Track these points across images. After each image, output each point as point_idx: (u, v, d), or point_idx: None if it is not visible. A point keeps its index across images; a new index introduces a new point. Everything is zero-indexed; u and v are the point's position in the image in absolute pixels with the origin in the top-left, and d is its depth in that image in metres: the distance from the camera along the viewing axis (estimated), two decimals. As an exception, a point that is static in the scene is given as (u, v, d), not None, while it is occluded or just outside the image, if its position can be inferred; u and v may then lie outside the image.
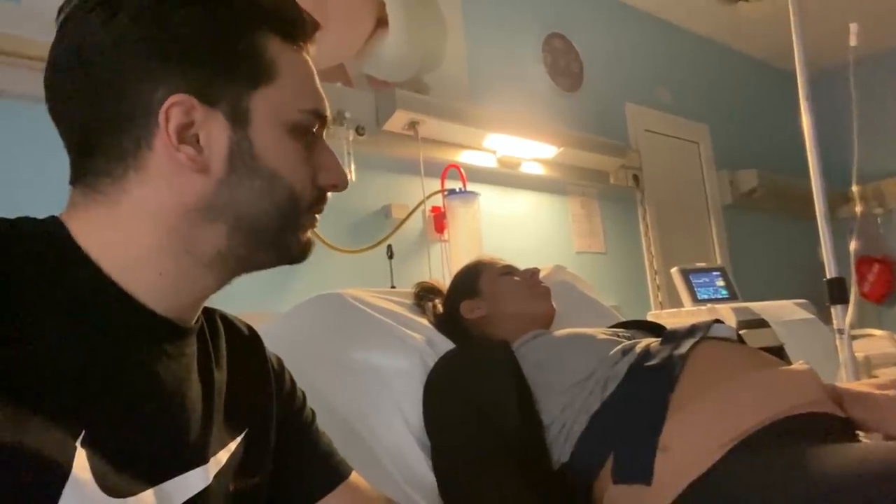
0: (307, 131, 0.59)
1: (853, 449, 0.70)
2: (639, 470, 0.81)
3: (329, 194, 0.62)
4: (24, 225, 0.54)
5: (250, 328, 0.74)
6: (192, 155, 0.54)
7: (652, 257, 2.73)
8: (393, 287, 1.82)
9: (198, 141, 0.54)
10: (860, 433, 0.85)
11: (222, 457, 0.60)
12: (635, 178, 2.74)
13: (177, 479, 0.53)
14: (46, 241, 0.53)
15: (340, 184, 0.62)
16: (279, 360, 0.77)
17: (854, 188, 1.48)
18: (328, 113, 0.61)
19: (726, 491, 0.74)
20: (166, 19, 0.53)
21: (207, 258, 0.57)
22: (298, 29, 0.60)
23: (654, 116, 2.96)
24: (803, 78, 1.56)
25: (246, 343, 0.72)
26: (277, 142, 0.57)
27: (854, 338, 2.72)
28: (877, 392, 0.82)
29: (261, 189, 0.56)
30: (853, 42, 1.39)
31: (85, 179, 0.55)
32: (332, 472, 0.75)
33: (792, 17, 1.64)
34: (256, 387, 0.70)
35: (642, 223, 2.77)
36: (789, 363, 0.93)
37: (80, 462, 0.47)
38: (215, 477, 0.57)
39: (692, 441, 0.80)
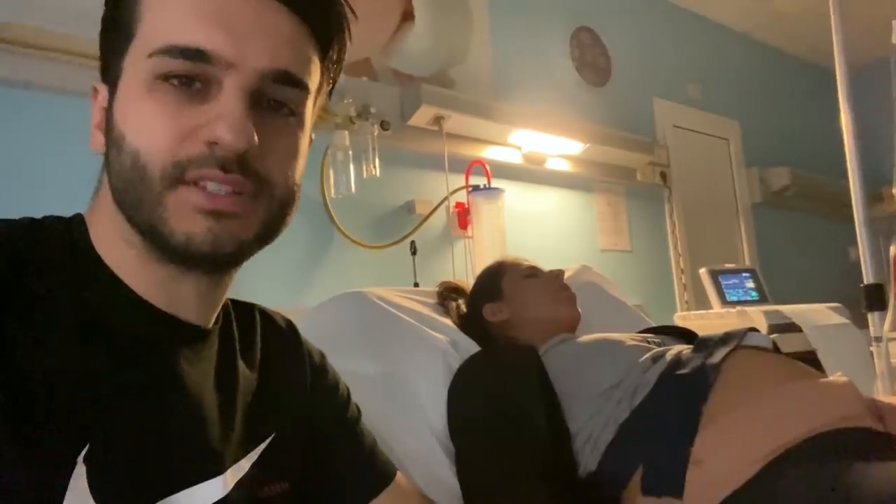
0: (175, 79, 0.47)
1: (889, 467, 0.67)
2: (670, 482, 0.79)
3: (220, 155, 0.47)
4: (49, 225, 0.53)
5: (289, 323, 0.71)
6: (99, 139, 0.52)
7: (679, 256, 2.68)
8: (416, 284, 1.81)
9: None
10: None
11: (245, 464, 0.57)
12: (663, 175, 2.69)
13: (186, 491, 0.51)
14: (67, 242, 0.52)
15: (223, 137, 0.46)
16: (321, 356, 0.73)
17: (895, 190, 1.43)
18: (213, 48, 0.47)
19: None
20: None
21: (140, 251, 0.50)
22: None
23: (683, 112, 2.90)
24: (843, 77, 1.51)
25: (283, 338, 0.68)
26: (129, 100, 0.48)
27: (889, 340, 2.65)
28: (922, 408, 0.79)
29: (115, 160, 0.48)
30: (895, 39, 1.34)
31: None
32: (378, 474, 0.71)
33: (832, 14, 1.59)
34: (290, 385, 0.66)
35: (669, 221, 2.72)
36: (823, 372, 0.89)
37: (79, 479, 0.45)
38: (236, 486, 0.54)
39: (727, 454, 0.77)
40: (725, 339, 0.93)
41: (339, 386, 0.74)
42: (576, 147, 2.31)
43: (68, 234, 0.52)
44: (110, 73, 0.51)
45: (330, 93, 0.60)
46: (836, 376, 0.86)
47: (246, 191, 0.49)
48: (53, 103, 1.32)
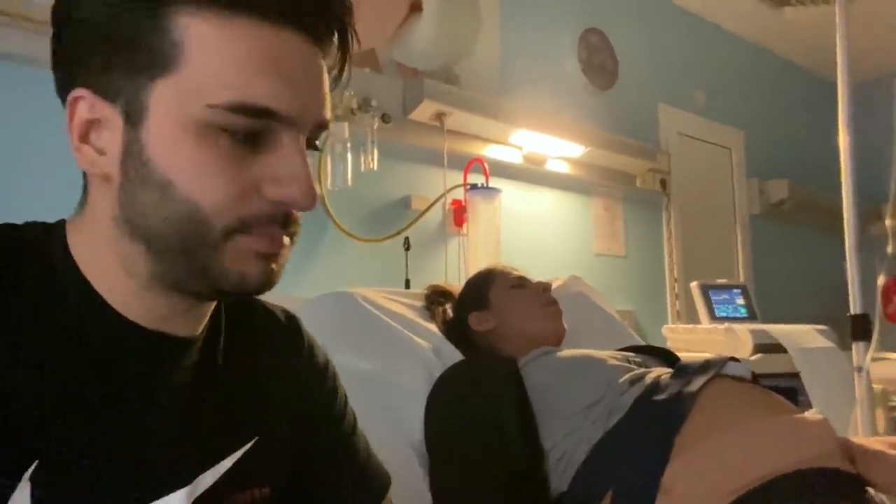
0: (235, 133, 0.46)
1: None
2: (637, 509, 0.80)
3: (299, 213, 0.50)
4: (28, 231, 0.52)
5: (291, 319, 0.69)
6: (92, 157, 0.48)
7: (673, 265, 2.69)
8: (408, 280, 1.81)
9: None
10: (870, 490, 0.82)
11: (210, 477, 0.55)
12: (663, 182, 2.69)
13: None
14: (44, 250, 0.51)
15: (297, 201, 0.48)
16: (325, 359, 0.71)
17: (887, 221, 1.42)
18: (282, 108, 0.47)
19: None
20: (79, 4, 0.47)
21: (145, 281, 0.50)
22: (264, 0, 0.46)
23: (688, 119, 2.89)
24: (845, 97, 1.50)
25: (282, 336, 0.67)
26: (176, 145, 0.46)
27: (872, 360, 2.66)
28: (890, 452, 0.79)
29: (155, 201, 0.46)
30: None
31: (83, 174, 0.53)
32: (369, 492, 0.71)
33: (838, 30, 1.57)
34: (281, 388, 0.64)
35: (666, 229, 2.72)
36: (803, 398, 0.90)
37: (22, 497, 0.44)
38: (200, 498, 0.53)
39: (696, 486, 0.78)
40: (705, 367, 0.94)
41: (337, 393, 0.71)
42: (577, 150, 2.30)
43: (47, 244, 0.51)
44: (115, 90, 0.47)
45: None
46: (811, 412, 0.86)
47: (289, 234, 0.51)
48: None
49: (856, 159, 1.47)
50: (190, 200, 0.46)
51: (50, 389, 0.47)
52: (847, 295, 1.43)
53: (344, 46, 0.53)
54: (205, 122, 0.45)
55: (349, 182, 1.73)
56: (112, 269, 0.50)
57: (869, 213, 2.87)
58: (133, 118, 0.47)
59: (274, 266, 0.50)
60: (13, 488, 0.44)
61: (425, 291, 1.33)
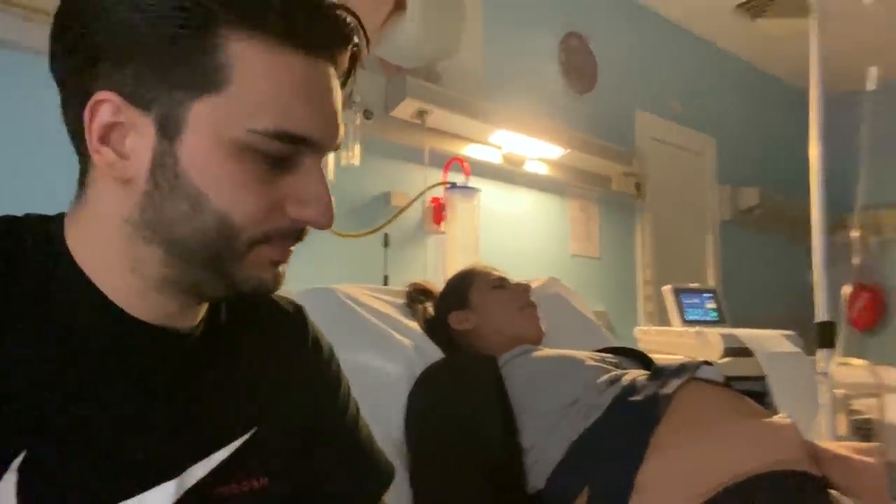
0: (267, 155, 0.49)
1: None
2: (613, 506, 0.82)
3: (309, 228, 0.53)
4: (28, 224, 0.53)
5: (297, 309, 0.70)
6: (112, 160, 0.48)
7: (645, 267, 2.74)
8: (386, 276, 1.82)
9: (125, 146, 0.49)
10: (833, 492, 0.86)
11: (202, 469, 0.55)
12: (637, 186, 2.73)
13: (129, 501, 0.50)
14: (41, 240, 0.51)
15: (315, 221, 0.52)
16: (330, 351, 0.72)
17: (853, 233, 1.47)
18: (314, 136, 0.50)
19: None
20: (117, 6, 0.47)
21: (154, 282, 0.51)
22: (302, 32, 0.48)
23: (663, 126, 2.94)
24: (818, 106, 1.54)
25: (287, 326, 0.67)
26: (211, 161, 0.48)
27: (840, 365, 2.75)
28: (854, 457, 0.83)
29: (185, 211, 0.48)
30: (871, 86, 1.38)
31: (80, 169, 0.53)
32: (363, 496, 0.71)
33: (811, 43, 1.62)
34: (284, 377, 0.64)
35: (639, 232, 2.77)
36: (770, 401, 0.93)
37: (7, 489, 0.44)
38: (188, 492, 0.53)
39: (670, 486, 0.81)
40: (680, 370, 0.97)
41: (341, 385, 0.72)
42: (556, 152, 2.33)
43: (46, 238, 0.52)
44: (153, 104, 0.48)
45: None
46: (779, 417, 0.90)
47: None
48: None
49: (825, 170, 1.51)
50: (222, 214, 0.49)
51: (43, 381, 0.47)
52: (811, 301, 1.48)
53: (353, 68, 0.56)
54: (243, 144, 0.48)
55: (331, 176, 1.73)
56: (118, 267, 0.51)
57: (835, 222, 2.98)
58: (169, 131, 0.48)
59: (281, 270, 0.54)
60: (1, 477, 0.44)
61: (406, 289, 1.34)
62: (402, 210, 1.94)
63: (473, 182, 2.03)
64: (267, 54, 0.48)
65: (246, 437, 0.58)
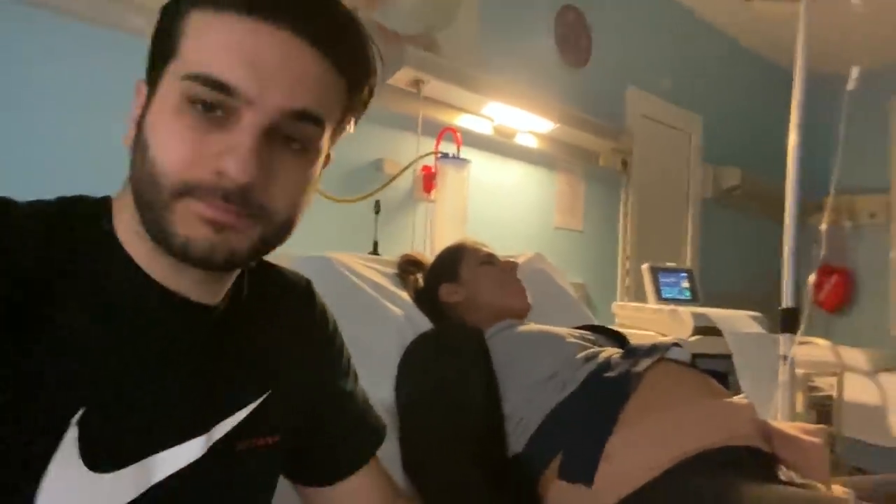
0: (203, 107, 0.52)
1: (769, 491, 0.79)
2: (584, 471, 0.90)
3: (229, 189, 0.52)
4: (80, 206, 0.59)
5: (307, 284, 0.76)
6: (131, 134, 0.57)
7: (626, 243, 2.81)
8: (376, 242, 1.87)
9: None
10: (782, 469, 0.95)
11: (226, 425, 0.63)
12: (624, 162, 2.79)
13: (165, 452, 0.57)
14: (90, 222, 0.57)
15: (226, 169, 0.51)
16: (334, 323, 0.78)
17: (823, 224, 1.54)
18: (238, 84, 0.51)
19: None
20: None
21: (148, 243, 0.55)
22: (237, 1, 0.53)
23: (653, 103, 2.99)
24: (800, 93, 1.59)
25: (296, 300, 0.74)
26: (159, 114, 0.54)
27: (798, 344, 2.87)
28: (803, 437, 0.92)
29: (136, 162, 0.55)
30: (851, 86, 1.44)
31: None
32: (360, 453, 0.79)
33: (801, 26, 1.65)
34: (295, 347, 0.71)
35: (623, 207, 2.84)
36: (733, 386, 1.01)
37: (70, 440, 0.51)
38: (214, 445, 0.61)
39: (634, 456, 0.89)
40: (651, 350, 1.04)
41: (343, 354, 0.79)
42: (546, 125, 2.37)
43: (95, 218, 0.58)
44: (151, 78, 0.56)
45: (356, 121, 0.64)
46: (738, 398, 0.98)
47: (245, 214, 0.54)
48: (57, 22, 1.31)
49: (802, 157, 1.56)
50: (153, 161, 0.52)
51: (95, 347, 0.54)
52: (780, 284, 1.55)
53: (354, 55, 0.58)
54: (180, 95, 0.52)
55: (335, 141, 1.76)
56: (133, 234, 0.57)
57: (809, 206, 3.06)
58: (149, 97, 0.56)
59: (222, 239, 0.53)
60: (66, 430, 0.51)
61: (398, 260, 1.40)
62: (394, 178, 1.97)
63: (464, 152, 2.07)
64: (209, 19, 0.53)
65: (261, 398, 0.66)
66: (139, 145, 0.54)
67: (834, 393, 2.67)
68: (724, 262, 3.34)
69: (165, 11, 0.56)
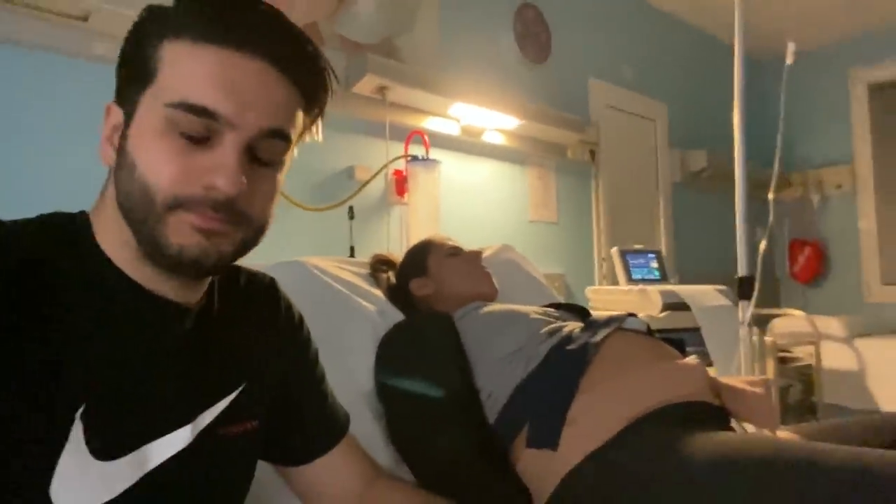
0: (188, 132, 0.58)
1: (717, 436, 0.86)
2: (549, 438, 0.97)
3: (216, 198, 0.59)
4: (57, 219, 0.64)
5: (272, 282, 0.82)
6: (109, 153, 0.62)
7: (600, 230, 2.89)
8: (352, 247, 1.93)
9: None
10: (733, 420, 1.02)
11: (209, 415, 0.69)
12: (592, 153, 2.87)
13: (157, 441, 0.63)
14: (72, 233, 0.63)
15: (216, 186, 0.58)
16: (300, 317, 0.85)
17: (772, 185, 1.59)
18: (221, 110, 0.58)
19: (615, 462, 0.90)
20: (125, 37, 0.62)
21: (134, 251, 0.61)
22: (218, 29, 0.58)
23: (616, 93, 3.07)
24: (740, 68, 1.66)
25: (264, 296, 0.80)
26: (142, 137, 0.59)
27: (774, 317, 2.95)
28: (748, 388, 0.99)
29: (125, 180, 0.59)
30: (789, 60, 1.52)
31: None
32: (332, 432, 0.86)
33: (736, 7, 1.72)
34: (264, 340, 0.77)
35: (594, 197, 2.91)
36: (689, 353, 1.09)
37: (77, 433, 0.57)
38: (200, 433, 0.68)
39: (594, 418, 0.95)
40: (608, 322, 1.11)
41: (310, 345, 0.86)
42: (512, 122, 2.44)
43: (75, 232, 0.63)
44: (126, 100, 0.61)
45: (320, 130, 0.73)
46: (690, 359, 1.05)
47: (229, 221, 0.61)
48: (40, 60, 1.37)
49: (763, 134, 1.63)
50: (144, 180, 0.58)
51: (88, 348, 0.60)
52: (755, 257, 1.62)
53: (314, 79, 0.65)
54: (164, 119, 0.58)
55: (294, 153, 1.81)
56: (117, 244, 0.63)
57: (781, 180, 3.14)
58: (128, 119, 0.61)
59: (212, 244, 0.60)
60: (73, 424, 0.58)
61: (370, 260, 1.46)
62: (366, 183, 2.04)
63: (434, 154, 2.14)
64: (186, 49, 0.58)
65: (239, 389, 0.73)
66: (124, 164, 0.59)
67: (812, 361, 2.75)
68: (696, 242, 3.43)
69: (136, 38, 0.61)
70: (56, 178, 1.38)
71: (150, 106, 0.59)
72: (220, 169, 0.58)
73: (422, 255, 1.38)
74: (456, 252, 1.38)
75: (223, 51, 0.58)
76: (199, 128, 0.58)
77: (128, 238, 0.61)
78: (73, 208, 0.67)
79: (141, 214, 0.58)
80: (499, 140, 2.48)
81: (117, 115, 0.62)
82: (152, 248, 0.60)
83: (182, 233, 0.59)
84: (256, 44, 0.59)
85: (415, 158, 2.08)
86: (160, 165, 0.58)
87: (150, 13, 0.61)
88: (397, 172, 2.14)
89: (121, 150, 0.60)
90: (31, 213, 0.65)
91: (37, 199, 1.26)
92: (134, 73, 0.61)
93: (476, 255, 1.37)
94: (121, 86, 0.62)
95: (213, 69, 0.58)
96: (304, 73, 0.64)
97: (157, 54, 0.59)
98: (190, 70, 0.58)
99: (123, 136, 0.60)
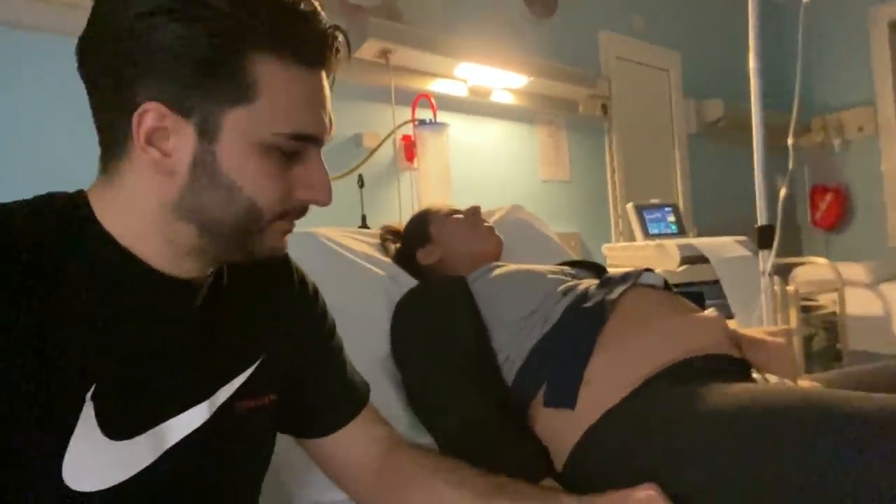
0: (284, 151, 0.61)
1: (736, 388, 0.84)
2: (566, 398, 0.96)
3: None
4: (55, 200, 0.63)
5: (284, 257, 0.82)
6: (158, 158, 0.59)
7: (615, 187, 2.84)
8: (363, 216, 1.92)
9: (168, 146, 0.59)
10: (753, 371, 1.00)
11: (227, 391, 0.69)
12: (604, 107, 2.81)
13: (174, 419, 0.64)
14: (72, 214, 0.62)
15: (320, 201, 0.65)
16: (315, 289, 0.85)
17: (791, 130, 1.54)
18: (319, 134, 0.63)
19: (634, 413, 0.89)
20: (155, 33, 0.56)
21: (186, 250, 0.63)
22: (308, 52, 0.60)
23: (627, 44, 2.99)
24: (755, 9, 1.59)
25: (276, 273, 0.80)
26: (242, 158, 0.60)
27: (796, 265, 2.91)
28: (768, 339, 0.97)
29: (220, 199, 0.60)
30: (805, -1, 1.45)
31: (102, 156, 0.63)
32: (352, 403, 0.86)
33: None
34: (279, 314, 0.78)
35: (608, 152, 2.86)
36: (708, 306, 1.06)
37: (87, 414, 0.57)
38: (218, 409, 0.68)
39: (611, 376, 0.94)
40: (624, 278, 1.09)
41: (326, 316, 0.86)
42: (520, 80, 2.39)
43: (75, 212, 0.62)
44: (194, 112, 0.58)
45: None
46: (709, 311, 1.03)
47: None
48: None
49: (780, 79, 1.57)
50: (252, 200, 0.61)
51: (97, 329, 0.59)
52: (773, 206, 1.58)
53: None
54: (268, 144, 0.60)
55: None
56: (153, 239, 0.63)
57: (799, 127, 3.05)
58: (207, 135, 0.59)
59: (287, 237, 0.68)
60: (83, 406, 0.58)
61: (379, 231, 1.45)
62: (374, 150, 2.01)
63: (442, 116, 2.10)
64: (284, 72, 0.60)
65: (256, 363, 0.73)
66: (218, 184, 0.60)
67: (837, 309, 2.71)
68: (714, 193, 3.37)
69: (215, 43, 0.56)
70: (57, 159, 1.37)
71: (249, 128, 0.59)
72: (318, 185, 0.64)
73: (423, 224, 1.37)
74: (454, 213, 1.37)
75: (307, 73, 0.61)
76: (296, 147, 0.62)
77: (177, 237, 0.62)
78: (75, 188, 0.66)
79: (245, 228, 0.62)
80: (507, 99, 2.43)
81: (165, 118, 0.58)
82: (239, 254, 0.66)
83: (276, 238, 0.65)
84: (325, 59, 0.63)
85: (422, 123, 2.05)
86: (266, 183, 0.61)
87: (233, 14, 0.57)
88: (406, 138, 2.11)
89: (202, 167, 0.60)
90: (34, 193, 0.64)
91: (38, 179, 1.25)
92: (210, 81, 0.57)
93: (475, 211, 1.36)
94: (177, 87, 0.57)
95: (308, 96, 0.62)
96: (337, 67, 0.67)
97: (251, 69, 0.58)
98: (290, 98, 0.60)
99: (204, 153, 0.59)
